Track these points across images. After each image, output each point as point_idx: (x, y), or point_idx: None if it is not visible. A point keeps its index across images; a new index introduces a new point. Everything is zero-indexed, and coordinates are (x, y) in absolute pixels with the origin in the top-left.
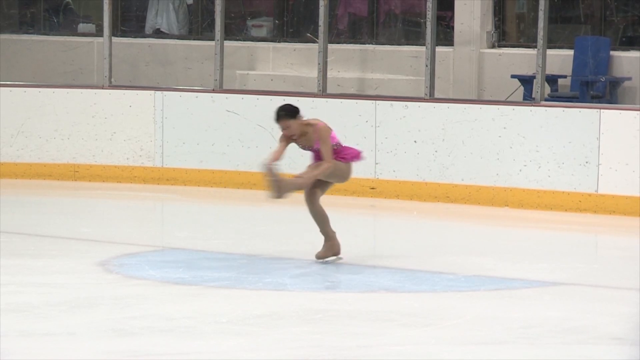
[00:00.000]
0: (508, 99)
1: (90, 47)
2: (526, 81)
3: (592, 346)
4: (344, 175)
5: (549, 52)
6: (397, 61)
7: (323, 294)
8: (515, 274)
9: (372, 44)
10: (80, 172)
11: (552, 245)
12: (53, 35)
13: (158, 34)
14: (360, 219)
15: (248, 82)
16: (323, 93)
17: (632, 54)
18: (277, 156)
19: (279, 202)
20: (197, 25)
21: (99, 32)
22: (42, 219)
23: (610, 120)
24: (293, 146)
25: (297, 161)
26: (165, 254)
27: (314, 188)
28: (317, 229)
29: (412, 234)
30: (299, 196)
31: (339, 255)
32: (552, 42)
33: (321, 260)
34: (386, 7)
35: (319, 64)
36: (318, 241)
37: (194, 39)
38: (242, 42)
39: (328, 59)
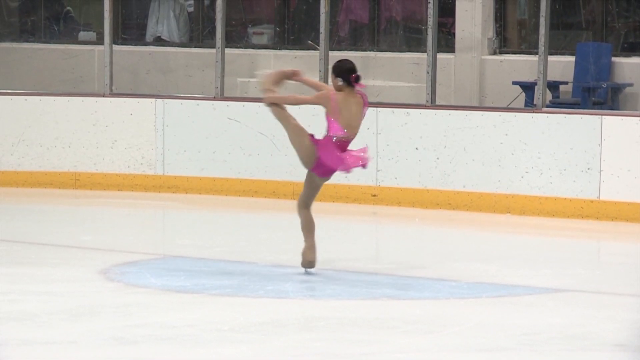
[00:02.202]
0: (509, 106)
1: (91, 55)
2: (528, 88)
3: (594, 353)
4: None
5: (551, 58)
6: (398, 68)
7: (325, 302)
8: (518, 280)
9: (373, 50)
10: (81, 180)
11: (554, 252)
12: (54, 43)
13: (159, 41)
14: (362, 226)
15: (249, 89)
16: None
17: (634, 60)
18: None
19: (281, 206)
20: (198, 32)
21: (99, 40)
22: (43, 228)
23: (612, 127)
24: (293, 155)
25: (298, 168)
26: (166, 262)
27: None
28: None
29: (414, 241)
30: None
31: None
32: (554, 49)
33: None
34: (387, 14)
35: (320, 71)
36: (320, 249)
37: (194, 47)
38: (243, 49)
39: (329, 66)
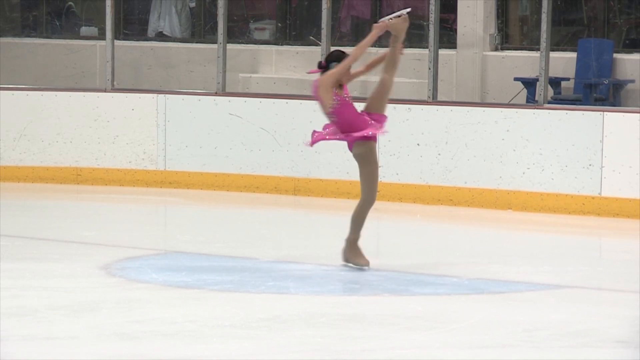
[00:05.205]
0: (511, 102)
1: (93, 51)
2: (529, 84)
3: (596, 349)
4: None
5: (552, 54)
6: (400, 64)
7: (326, 298)
8: (519, 277)
9: (375, 46)
10: (82, 176)
11: (556, 248)
12: (55, 38)
13: (160, 37)
14: None
15: (251, 85)
16: None
17: (635, 56)
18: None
19: (283, 202)
20: (200, 28)
21: (101, 35)
22: (44, 223)
23: (614, 123)
24: (294, 151)
25: (300, 164)
26: (167, 257)
27: None
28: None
29: (416, 237)
30: (301, 200)
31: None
32: (555, 45)
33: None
34: (389, 10)
35: None
36: (322, 244)
37: (196, 42)
38: (244, 45)
39: None
